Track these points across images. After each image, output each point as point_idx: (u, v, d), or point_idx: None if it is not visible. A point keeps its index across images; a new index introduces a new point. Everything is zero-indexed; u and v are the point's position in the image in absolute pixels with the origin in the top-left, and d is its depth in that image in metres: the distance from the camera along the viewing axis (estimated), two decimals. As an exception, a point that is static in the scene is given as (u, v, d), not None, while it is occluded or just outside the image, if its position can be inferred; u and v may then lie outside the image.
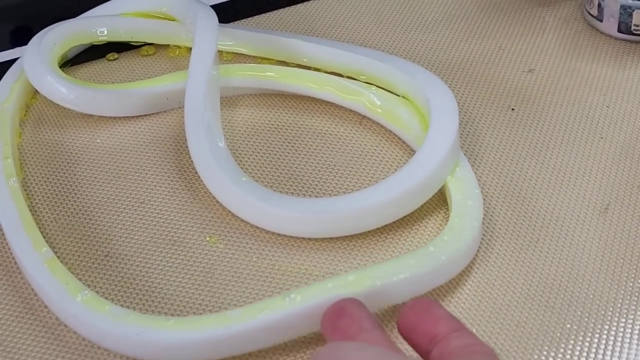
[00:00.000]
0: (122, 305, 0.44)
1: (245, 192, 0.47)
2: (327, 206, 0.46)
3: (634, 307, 0.43)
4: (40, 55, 0.55)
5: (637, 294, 0.43)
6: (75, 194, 0.51)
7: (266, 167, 0.52)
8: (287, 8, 0.64)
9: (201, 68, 0.53)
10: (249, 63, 0.58)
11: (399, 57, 0.56)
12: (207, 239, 0.47)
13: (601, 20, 0.59)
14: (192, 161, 0.51)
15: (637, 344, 0.41)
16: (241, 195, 0.47)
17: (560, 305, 0.43)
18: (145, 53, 0.61)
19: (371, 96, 0.54)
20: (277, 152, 0.53)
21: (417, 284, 0.42)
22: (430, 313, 0.37)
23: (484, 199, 0.48)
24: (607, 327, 0.42)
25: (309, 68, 0.56)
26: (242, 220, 0.48)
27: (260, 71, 0.56)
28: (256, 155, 0.52)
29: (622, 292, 0.43)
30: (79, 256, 0.47)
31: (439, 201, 0.48)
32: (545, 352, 0.41)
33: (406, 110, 0.52)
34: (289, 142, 0.53)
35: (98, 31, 0.59)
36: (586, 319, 0.42)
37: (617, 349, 0.41)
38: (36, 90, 0.56)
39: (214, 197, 0.49)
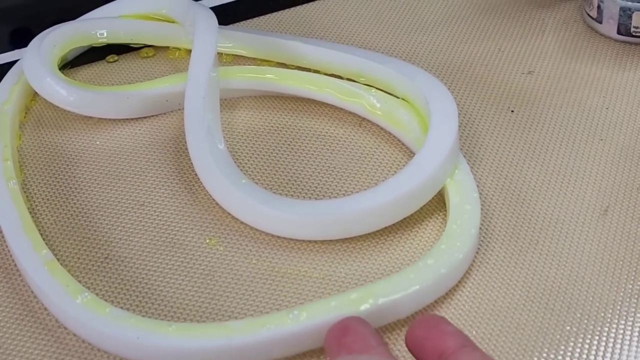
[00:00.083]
0: (121, 308, 0.44)
1: (245, 194, 0.47)
2: (327, 208, 0.46)
3: (633, 309, 0.43)
4: (40, 57, 0.55)
5: (636, 296, 0.43)
6: (75, 196, 0.51)
7: (266, 170, 0.52)
8: (286, 10, 0.64)
9: (201, 70, 0.53)
10: (249, 65, 0.58)
11: (399, 59, 0.56)
12: (207, 241, 0.48)
13: (601, 22, 0.59)
14: (191, 163, 0.51)
15: (636, 346, 0.41)
16: (241, 197, 0.47)
17: (560, 308, 0.43)
18: (145, 55, 0.61)
19: (371, 98, 0.54)
20: (277, 154, 0.53)
21: (419, 298, 0.42)
22: (439, 329, 0.37)
23: (483, 201, 0.48)
24: (606, 329, 0.42)
25: (308, 70, 0.56)
26: (242, 223, 0.48)
27: (260, 73, 0.56)
28: (256, 158, 0.52)
29: (621, 294, 0.44)
30: (78, 258, 0.47)
31: (439, 203, 0.48)
32: (544, 354, 0.41)
33: (406, 112, 0.52)
34: (289, 144, 0.53)
35: (98, 33, 0.59)
36: (586, 321, 0.42)
37: (617, 351, 0.41)
38: (36, 93, 0.56)
39: (214, 200, 0.49)
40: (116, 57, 0.61)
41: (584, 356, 0.41)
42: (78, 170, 0.52)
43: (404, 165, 0.51)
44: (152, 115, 0.56)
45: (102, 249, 0.47)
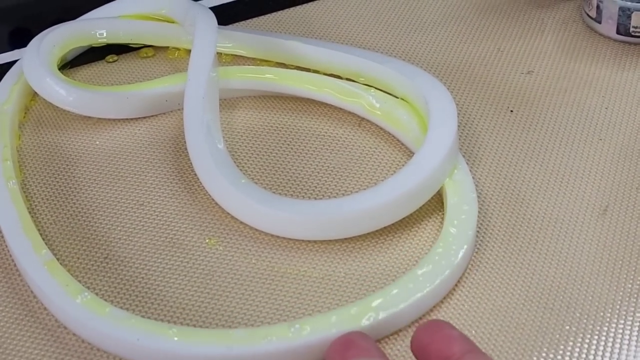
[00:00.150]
0: (121, 307, 0.44)
1: (245, 194, 0.47)
2: (326, 208, 0.46)
3: (632, 309, 0.43)
4: (40, 57, 0.55)
5: (636, 295, 0.43)
6: (75, 196, 0.51)
7: (265, 169, 0.52)
8: (286, 10, 0.64)
9: (200, 70, 0.53)
10: (248, 65, 0.58)
11: (398, 59, 0.56)
12: (207, 241, 0.48)
13: (600, 22, 0.59)
14: (191, 163, 0.51)
15: (636, 346, 0.41)
16: (240, 197, 0.47)
17: (559, 307, 0.43)
18: (145, 55, 0.61)
19: (370, 98, 0.54)
20: (276, 154, 0.53)
21: (419, 307, 0.42)
22: (444, 334, 0.37)
23: (483, 201, 0.48)
24: (605, 328, 0.42)
25: (308, 70, 0.56)
26: (242, 223, 0.48)
27: (260, 73, 0.56)
28: (255, 157, 0.52)
29: (620, 293, 0.44)
30: (78, 258, 0.47)
31: (437, 203, 0.48)
32: (544, 354, 0.41)
33: (405, 112, 0.52)
34: (288, 144, 0.53)
35: (97, 33, 0.59)
36: (585, 321, 0.42)
37: (616, 350, 0.41)
38: (35, 93, 0.56)
39: (213, 199, 0.49)
40: (116, 57, 0.61)
41: (584, 355, 0.41)
42: (78, 170, 0.52)
43: (403, 165, 0.51)
44: (152, 115, 0.56)
45: (101, 249, 0.47)
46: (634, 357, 0.41)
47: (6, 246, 0.47)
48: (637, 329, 0.42)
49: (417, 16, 0.63)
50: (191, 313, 0.44)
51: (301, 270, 0.46)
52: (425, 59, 0.59)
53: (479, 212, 0.47)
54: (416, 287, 0.42)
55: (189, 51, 0.55)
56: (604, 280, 0.44)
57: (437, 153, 0.47)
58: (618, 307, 0.43)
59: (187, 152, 0.51)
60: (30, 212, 0.48)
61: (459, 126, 0.50)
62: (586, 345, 0.41)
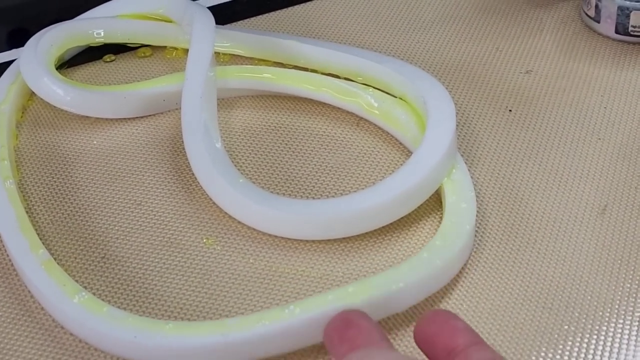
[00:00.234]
0: (119, 307, 0.44)
1: (242, 194, 0.47)
2: (324, 208, 0.46)
3: (631, 308, 0.43)
4: (37, 57, 0.55)
5: (634, 294, 0.43)
6: (72, 195, 0.51)
7: (263, 169, 0.51)
8: (283, 10, 0.64)
9: (198, 70, 0.53)
10: (246, 64, 0.58)
11: (396, 59, 0.56)
12: (204, 240, 0.47)
13: (598, 22, 0.59)
14: (189, 163, 0.50)
15: (634, 345, 0.41)
16: (238, 197, 0.47)
17: (558, 306, 0.43)
18: (142, 55, 0.60)
19: (368, 97, 0.53)
20: (274, 153, 0.52)
21: (415, 291, 0.42)
22: (449, 325, 0.36)
23: (481, 200, 0.48)
24: (604, 328, 0.42)
25: (306, 69, 0.56)
26: (239, 222, 0.48)
27: (257, 73, 0.56)
28: (253, 157, 0.52)
29: (619, 293, 0.43)
30: (75, 258, 0.47)
31: (436, 202, 0.48)
32: (542, 353, 0.41)
33: (403, 111, 0.52)
34: (286, 144, 0.53)
35: (95, 33, 0.59)
36: (584, 320, 0.42)
37: (615, 349, 0.41)
38: (33, 92, 0.56)
39: (211, 199, 0.49)
40: (113, 57, 0.61)
41: (582, 355, 0.41)
42: (75, 169, 0.52)
43: (401, 165, 0.51)
44: (150, 115, 0.56)
45: (99, 249, 0.47)
46: (633, 356, 0.41)
47: (3, 246, 0.47)
48: (636, 328, 0.42)
49: (415, 15, 0.63)
50: (189, 313, 0.44)
51: (299, 270, 0.46)
52: (424, 59, 0.59)
53: (477, 212, 0.47)
54: (412, 270, 0.42)
55: (187, 51, 0.55)
56: (602, 280, 0.44)
57: (435, 152, 0.47)
58: (617, 306, 0.43)
59: (185, 151, 0.51)
60: (27, 212, 0.48)
61: (457, 125, 0.50)
62: (585, 345, 0.41)
